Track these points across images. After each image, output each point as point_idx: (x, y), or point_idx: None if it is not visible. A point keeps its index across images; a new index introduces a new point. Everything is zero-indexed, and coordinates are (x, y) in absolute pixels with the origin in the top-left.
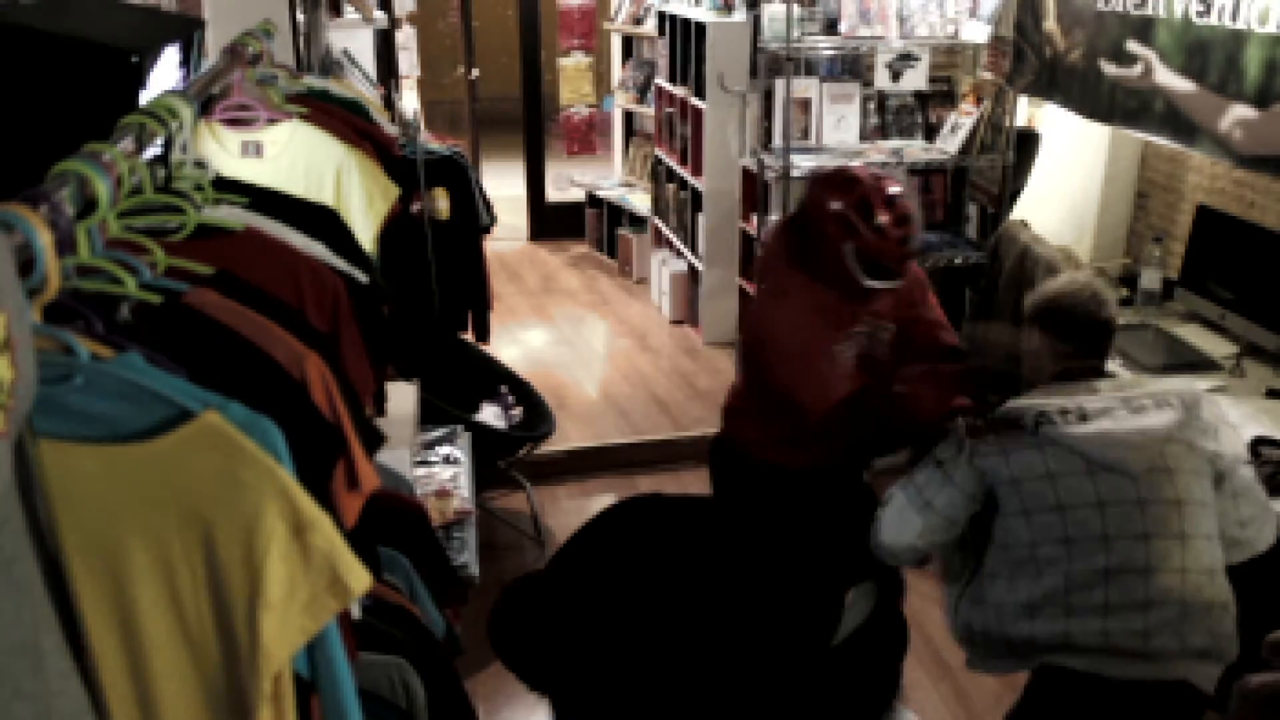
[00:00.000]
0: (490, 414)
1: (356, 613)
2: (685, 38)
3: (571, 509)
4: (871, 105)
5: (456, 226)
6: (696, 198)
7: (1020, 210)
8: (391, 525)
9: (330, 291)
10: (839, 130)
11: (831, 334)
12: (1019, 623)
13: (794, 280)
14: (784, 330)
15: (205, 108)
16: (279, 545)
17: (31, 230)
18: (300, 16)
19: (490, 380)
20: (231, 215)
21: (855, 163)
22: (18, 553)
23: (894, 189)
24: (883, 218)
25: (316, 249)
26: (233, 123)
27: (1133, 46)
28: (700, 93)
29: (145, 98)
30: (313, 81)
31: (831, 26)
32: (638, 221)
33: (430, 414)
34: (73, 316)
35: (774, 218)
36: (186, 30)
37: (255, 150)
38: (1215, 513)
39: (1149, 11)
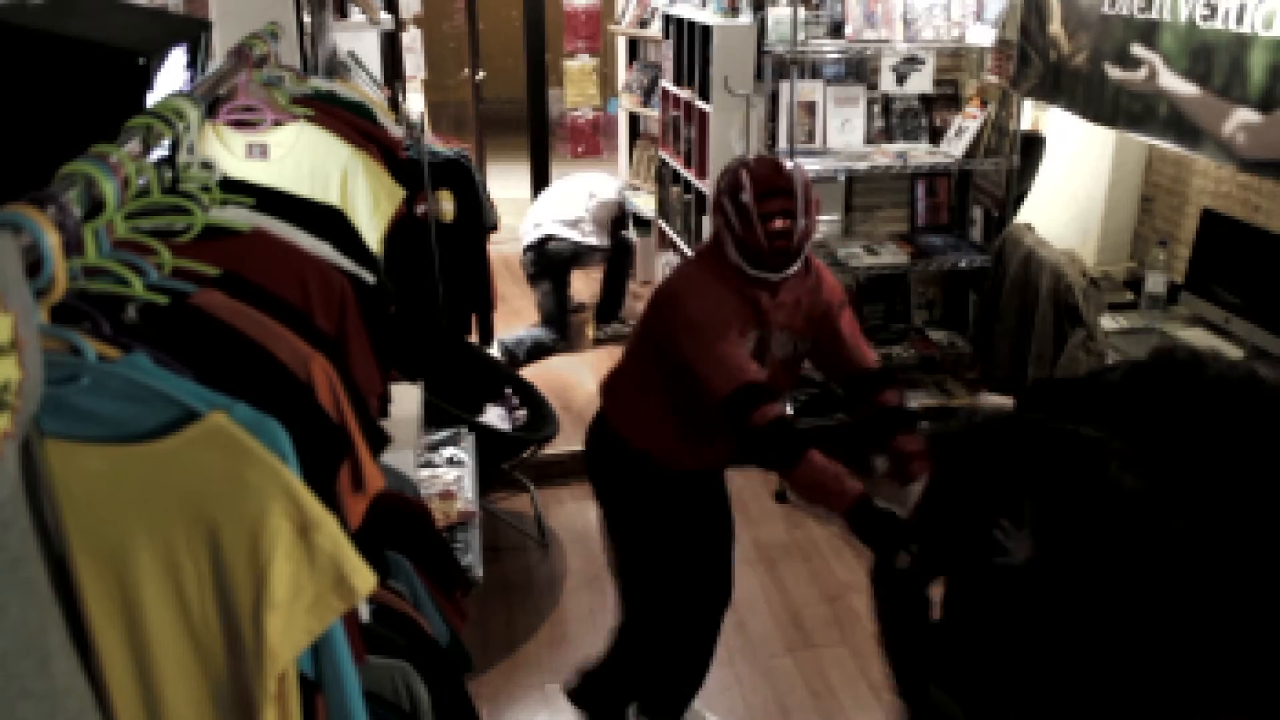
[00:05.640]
0: (494, 416)
1: (365, 615)
2: (690, 40)
3: (575, 511)
4: (876, 108)
5: (461, 228)
6: (701, 200)
7: (1025, 214)
8: (395, 527)
9: (337, 292)
10: (844, 133)
11: (735, 316)
12: None
13: (706, 256)
14: (694, 300)
15: (211, 109)
16: (284, 545)
17: (39, 231)
18: (306, 18)
19: (494, 382)
20: (238, 216)
21: (861, 165)
22: (24, 553)
23: (778, 181)
24: (754, 209)
25: (323, 249)
26: (238, 124)
27: (1137, 50)
28: (705, 95)
29: (152, 99)
30: (319, 83)
31: (837, 30)
32: (642, 224)
33: (434, 416)
34: (80, 317)
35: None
36: (193, 32)
37: (260, 152)
38: None
39: (1154, 15)
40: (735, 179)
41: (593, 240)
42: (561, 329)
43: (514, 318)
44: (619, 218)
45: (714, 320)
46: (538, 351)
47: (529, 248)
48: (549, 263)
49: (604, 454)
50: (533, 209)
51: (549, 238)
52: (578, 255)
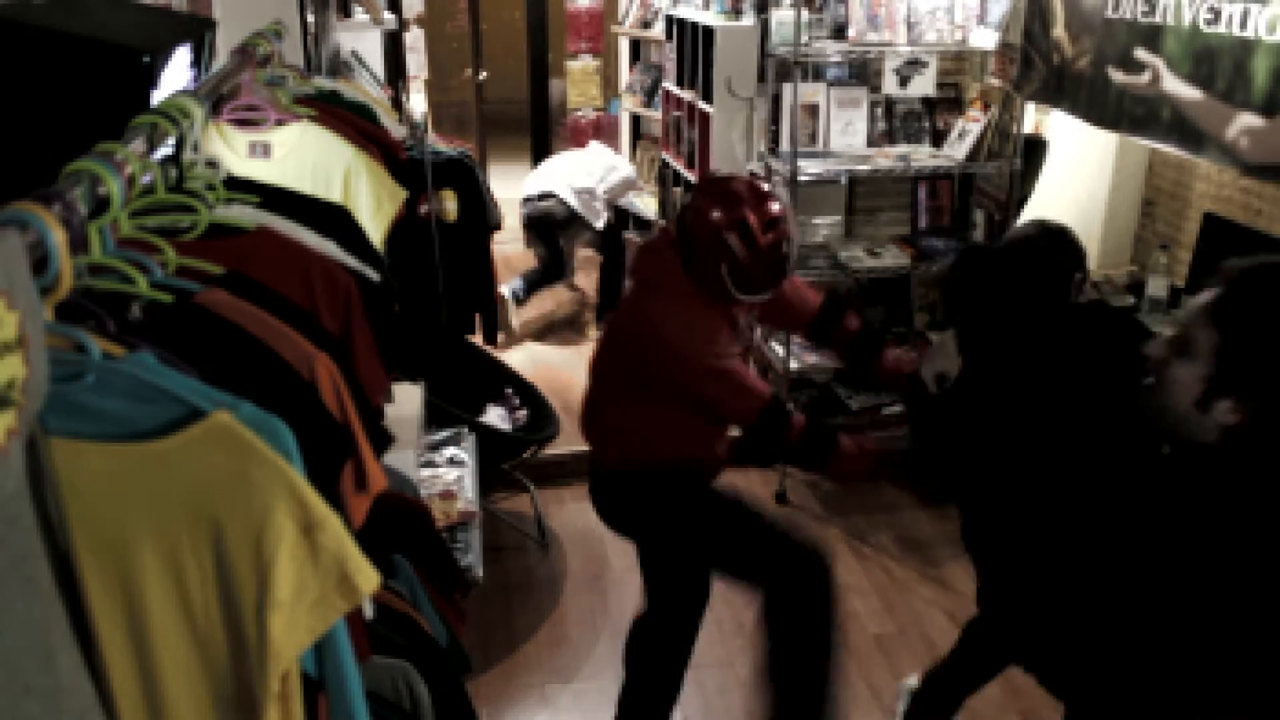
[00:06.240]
0: (495, 416)
1: (369, 613)
2: (693, 42)
3: (575, 511)
4: (879, 111)
5: (464, 228)
6: None
7: (1027, 217)
8: (395, 527)
9: (342, 290)
10: (846, 135)
11: (725, 335)
12: None
13: (683, 284)
14: (684, 336)
15: (215, 108)
16: (288, 544)
17: (45, 229)
18: (310, 17)
19: (495, 382)
20: (243, 214)
21: (863, 168)
22: (28, 550)
23: (774, 209)
24: (761, 240)
25: (328, 247)
26: (241, 123)
27: (1140, 54)
28: (707, 97)
29: (157, 98)
30: (322, 83)
31: (840, 32)
32: (644, 225)
33: (435, 416)
34: (85, 315)
35: None
36: (198, 30)
37: (263, 151)
38: None
39: (1157, 19)
40: (739, 214)
41: (591, 215)
42: (559, 269)
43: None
44: (618, 205)
45: (711, 348)
46: (538, 282)
47: (527, 199)
48: (540, 221)
49: (628, 493)
50: (544, 165)
51: (549, 194)
52: (568, 222)
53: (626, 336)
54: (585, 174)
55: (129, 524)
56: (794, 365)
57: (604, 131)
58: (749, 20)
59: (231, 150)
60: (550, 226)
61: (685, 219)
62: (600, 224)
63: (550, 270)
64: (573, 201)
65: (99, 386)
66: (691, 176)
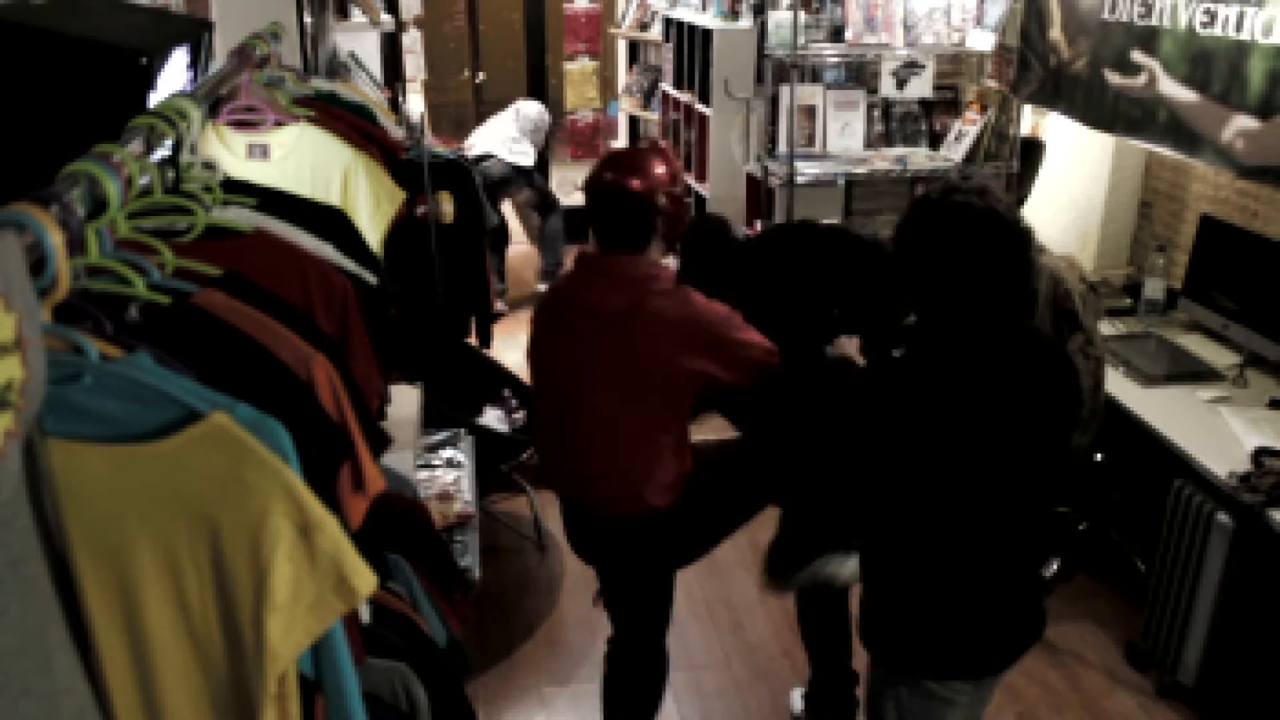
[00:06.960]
0: (493, 417)
1: (366, 616)
2: (691, 43)
3: None
4: (876, 113)
5: (460, 230)
6: (701, 203)
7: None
8: (394, 527)
9: (338, 293)
10: (844, 137)
11: None
12: None
13: (653, 276)
14: (698, 308)
15: (213, 110)
16: (285, 546)
17: (42, 230)
18: (308, 19)
19: (493, 384)
20: (240, 216)
21: (860, 169)
22: (26, 552)
23: (674, 161)
24: (678, 189)
25: (325, 250)
26: (239, 125)
27: (1137, 56)
28: (705, 99)
29: (154, 99)
30: (320, 84)
31: (837, 34)
32: None
33: (433, 417)
34: (82, 316)
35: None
36: (195, 32)
37: (261, 152)
38: None
39: (1154, 22)
40: (662, 170)
41: (521, 160)
42: (503, 230)
43: (512, 319)
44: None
45: (722, 309)
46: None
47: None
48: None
49: (640, 540)
50: (474, 133)
51: (487, 155)
52: (506, 180)
53: (646, 353)
54: (504, 126)
55: (126, 525)
56: None
57: (602, 132)
58: (746, 22)
59: (230, 152)
60: (491, 187)
61: (609, 204)
62: (529, 161)
63: (496, 235)
64: (503, 153)
65: (96, 388)
66: (690, 178)
